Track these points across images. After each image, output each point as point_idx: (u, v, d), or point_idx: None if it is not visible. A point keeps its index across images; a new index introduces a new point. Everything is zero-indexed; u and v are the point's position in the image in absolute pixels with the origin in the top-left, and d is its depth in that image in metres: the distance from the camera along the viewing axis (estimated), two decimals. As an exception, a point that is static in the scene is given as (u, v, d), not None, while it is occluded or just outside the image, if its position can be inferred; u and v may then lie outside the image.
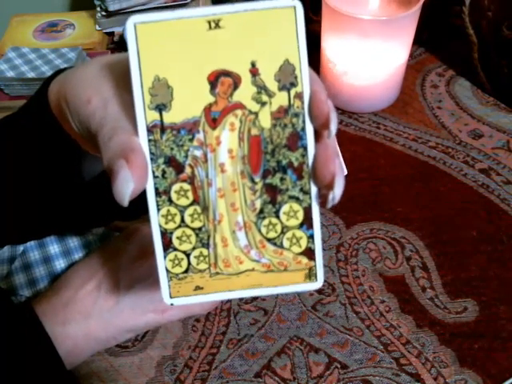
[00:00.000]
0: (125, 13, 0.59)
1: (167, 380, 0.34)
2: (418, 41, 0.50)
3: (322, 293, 0.38)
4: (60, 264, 0.38)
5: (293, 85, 0.20)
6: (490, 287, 0.38)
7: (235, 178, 0.20)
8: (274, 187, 0.20)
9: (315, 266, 0.21)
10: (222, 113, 0.20)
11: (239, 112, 0.20)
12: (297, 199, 0.20)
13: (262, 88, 0.19)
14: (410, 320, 0.37)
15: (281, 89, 0.20)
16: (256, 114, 0.20)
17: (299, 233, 0.21)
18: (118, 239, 0.36)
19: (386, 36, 0.46)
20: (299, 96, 0.20)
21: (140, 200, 0.20)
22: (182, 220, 0.20)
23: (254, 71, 0.19)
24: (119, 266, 0.33)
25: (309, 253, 0.21)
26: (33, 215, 0.30)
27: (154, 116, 0.19)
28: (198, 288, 0.21)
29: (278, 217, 0.20)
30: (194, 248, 0.21)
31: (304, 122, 0.20)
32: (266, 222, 0.20)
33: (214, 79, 0.19)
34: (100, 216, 0.34)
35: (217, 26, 0.19)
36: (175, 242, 0.20)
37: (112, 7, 0.58)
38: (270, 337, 0.36)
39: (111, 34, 0.62)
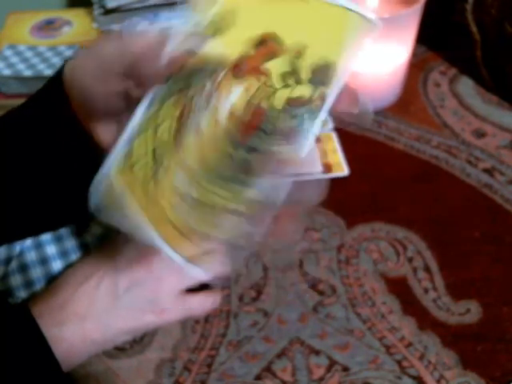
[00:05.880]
0: (123, 10, 0.58)
1: (166, 383, 0.34)
2: (420, 39, 0.49)
3: (322, 294, 0.38)
4: (57, 265, 0.37)
5: (323, 84, 0.19)
6: (494, 288, 0.38)
7: (221, 134, 0.19)
8: (248, 164, 0.20)
9: None
10: (248, 69, 0.19)
11: (262, 79, 0.19)
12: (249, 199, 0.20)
13: (295, 71, 0.19)
14: (412, 322, 0.36)
15: (311, 82, 0.19)
16: (275, 90, 0.19)
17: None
18: (116, 240, 0.35)
19: (388, 34, 0.45)
20: (322, 97, 0.19)
21: None
22: (157, 128, 0.19)
23: (300, 53, 0.19)
24: (117, 268, 0.33)
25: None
26: (46, 203, 0.30)
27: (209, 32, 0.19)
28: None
29: (229, 190, 0.20)
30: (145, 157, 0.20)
31: (314, 124, 0.19)
32: (219, 189, 0.20)
33: (264, 38, 0.19)
34: None
35: None
36: (135, 144, 0.20)
37: (110, 4, 0.57)
38: (270, 339, 0.36)
39: (109, 31, 0.61)
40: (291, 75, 0.19)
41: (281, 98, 0.19)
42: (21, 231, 0.34)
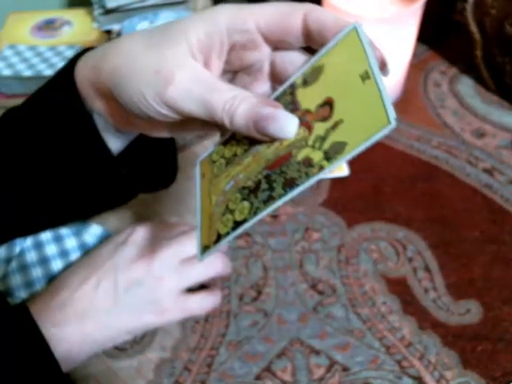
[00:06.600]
0: (123, 10, 0.58)
1: (166, 383, 0.34)
2: (420, 39, 0.49)
3: (322, 294, 0.38)
4: (57, 265, 0.37)
5: (328, 159, 0.21)
6: (494, 288, 0.38)
7: (257, 162, 0.23)
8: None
9: None
10: (304, 123, 0.22)
11: (305, 133, 0.22)
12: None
13: (324, 138, 0.21)
14: (413, 322, 0.36)
15: (325, 153, 0.21)
16: (305, 146, 0.22)
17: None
18: (115, 240, 0.35)
19: (388, 34, 0.45)
20: (321, 168, 0.21)
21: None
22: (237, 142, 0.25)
23: (335, 126, 0.21)
24: (117, 267, 0.33)
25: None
26: (49, 198, 0.30)
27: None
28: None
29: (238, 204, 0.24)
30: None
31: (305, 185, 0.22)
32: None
33: (326, 102, 0.22)
34: (127, 190, 0.33)
35: None
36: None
37: (110, 4, 0.57)
38: (270, 339, 0.36)
39: (109, 31, 0.61)
40: (322, 140, 0.21)
41: (303, 154, 0.22)
42: (22, 228, 0.34)
